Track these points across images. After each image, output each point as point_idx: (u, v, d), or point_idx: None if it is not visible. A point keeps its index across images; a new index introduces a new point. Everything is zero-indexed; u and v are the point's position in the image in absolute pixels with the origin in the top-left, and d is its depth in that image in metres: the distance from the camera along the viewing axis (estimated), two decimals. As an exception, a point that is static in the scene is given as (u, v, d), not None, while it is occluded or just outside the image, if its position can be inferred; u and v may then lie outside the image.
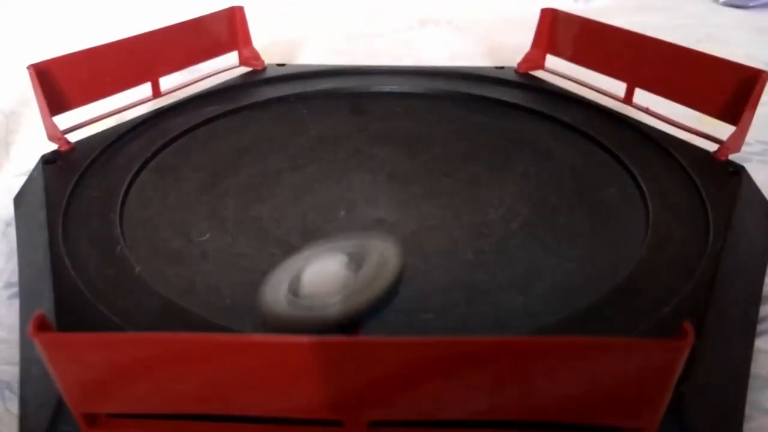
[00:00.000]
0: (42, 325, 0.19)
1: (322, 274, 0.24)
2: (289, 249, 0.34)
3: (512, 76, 0.52)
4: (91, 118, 0.44)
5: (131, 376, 0.21)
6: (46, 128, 0.41)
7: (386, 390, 0.21)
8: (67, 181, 0.37)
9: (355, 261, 0.24)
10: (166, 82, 0.49)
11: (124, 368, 0.21)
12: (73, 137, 0.42)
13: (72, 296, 0.29)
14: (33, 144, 0.41)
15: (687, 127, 0.44)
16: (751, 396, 0.29)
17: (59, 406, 0.24)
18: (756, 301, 0.34)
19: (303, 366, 0.21)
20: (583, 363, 0.19)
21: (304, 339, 0.20)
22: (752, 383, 0.30)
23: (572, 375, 0.20)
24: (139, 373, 0.21)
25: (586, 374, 0.20)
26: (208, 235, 0.35)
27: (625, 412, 0.21)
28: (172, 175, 0.40)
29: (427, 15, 0.79)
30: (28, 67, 0.39)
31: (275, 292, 0.23)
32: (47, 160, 0.40)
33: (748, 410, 0.28)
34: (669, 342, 0.19)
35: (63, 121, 0.42)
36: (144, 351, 0.21)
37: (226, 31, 0.52)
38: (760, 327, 0.33)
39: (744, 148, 0.41)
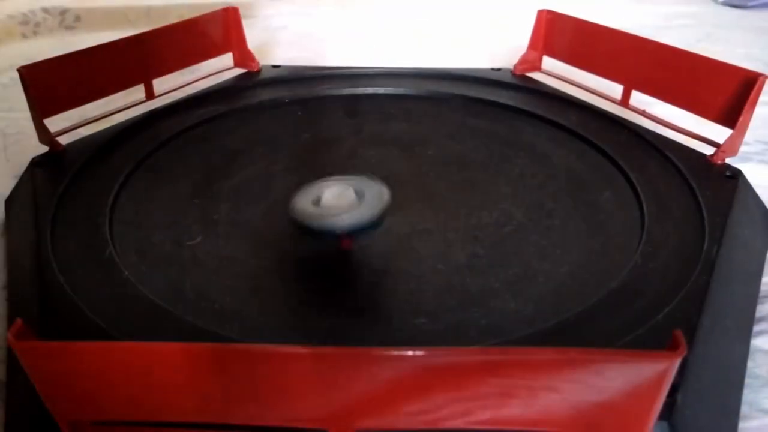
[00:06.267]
0: (21, 333, 0.19)
1: (336, 195, 0.33)
2: (280, 253, 0.34)
3: (509, 78, 0.52)
4: (83, 120, 0.44)
5: (114, 384, 0.21)
6: (37, 131, 0.40)
7: (373, 399, 0.21)
8: (56, 184, 0.37)
9: (358, 191, 0.33)
10: (160, 84, 0.48)
11: (106, 377, 0.21)
12: (65, 140, 0.42)
13: (58, 300, 0.29)
14: (33, 144, 0.41)
15: (684, 129, 0.43)
16: (751, 396, 0.29)
17: (43, 412, 0.24)
18: (752, 305, 0.33)
19: (289, 375, 0.20)
20: (570, 374, 0.19)
21: (290, 349, 0.20)
22: (752, 383, 0.29)
23: (559, 386, 0.19)
24: (122, 381, 0.21)
25: (573, 385, 0.19)
26: (198, 239, 0.35)
27: (614, 423, 0.20)
28: (163, 177, 0.40)
29: (427, 15, 0.79)
30: (18, 70, 0.39)
31: (303, 201, 0.33)
32: (37, 163, 0.39)
33: (747, 410, 0.28)
34: (660, 353, 0.18)
35: (55, 123, 0.42)
36: (128, 359, 0.21)
37: (220, 32, 0.52)
38: (759, 327, 0.33)
39: (743, 148, 0.41)
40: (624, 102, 0.47)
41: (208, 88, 0.50)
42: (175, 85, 0.49)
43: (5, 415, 0.27)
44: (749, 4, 0.79)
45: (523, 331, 0.29)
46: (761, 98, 0.39)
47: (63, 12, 0.72)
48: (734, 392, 0.28)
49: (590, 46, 0.48)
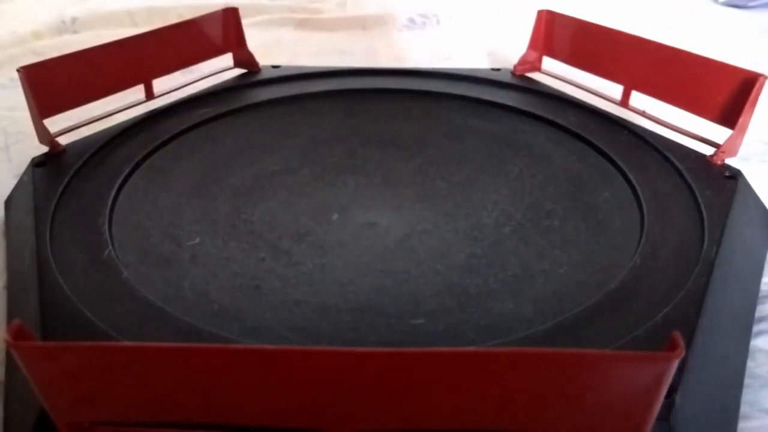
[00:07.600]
0: (20, 334, 0.19)
1: None
2: (279, 253, 0.34)
3: (508, 78, 0.52)
4: (84, 121, 0.44)
5: (113, 385, 0.21)
6: (37, 131, 0.41)
7: (371, 400, 0.21)
8: (56, 185, 0.37)
9: None
10: (160, 84, 0.48)
11: (106, 377, 0.21)
12: (65, 140, 0.42)
13: (57, 301, 0.29)
14: (34, 145, 0.41)
15: (683, 130, 0.43)
16: (751, 395, 0.29)
17: (42, 414, 0.24)
18: (752, 305, 0.33)
19: (288, 376, 0.20)
20: (569, 375, 0.19)
21: (289, 349, 0.20)
22: (752, 383, 0.29)
23: (555, 387, 0.19)
24: (121, 382, 0.21)
25: (570, 387, 0.19)
26: (198, 239, 0.35)
27: (612, 424, 0.20)
28: (163, 178, 0.40)
29: (425, 14, 0.79)
30: (18, 70, 0.39)
31: None
32: (38, 164, 0.39)
33: (747, 410, 0.28)
34: (658, 354, 0.18)
35: (56, 123, 0.42)
36: (127, 360, 0.21)
37: (220, 32, 0.51)
38: (759, 327, 0.32)
39: (743, 148, 0.41)
40: (624, 102, 0.47)
41: (208, 88, 0.50)
42: (175, 85, 0.49)
43: (4, 416, 0.27)
44: (749, 4, 0.79)
45: (521, 332, 0.29)
46: (761, 99, 0.39)
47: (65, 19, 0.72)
48: (734, 392, 0.28)
49: (590, 46, 0.48)
